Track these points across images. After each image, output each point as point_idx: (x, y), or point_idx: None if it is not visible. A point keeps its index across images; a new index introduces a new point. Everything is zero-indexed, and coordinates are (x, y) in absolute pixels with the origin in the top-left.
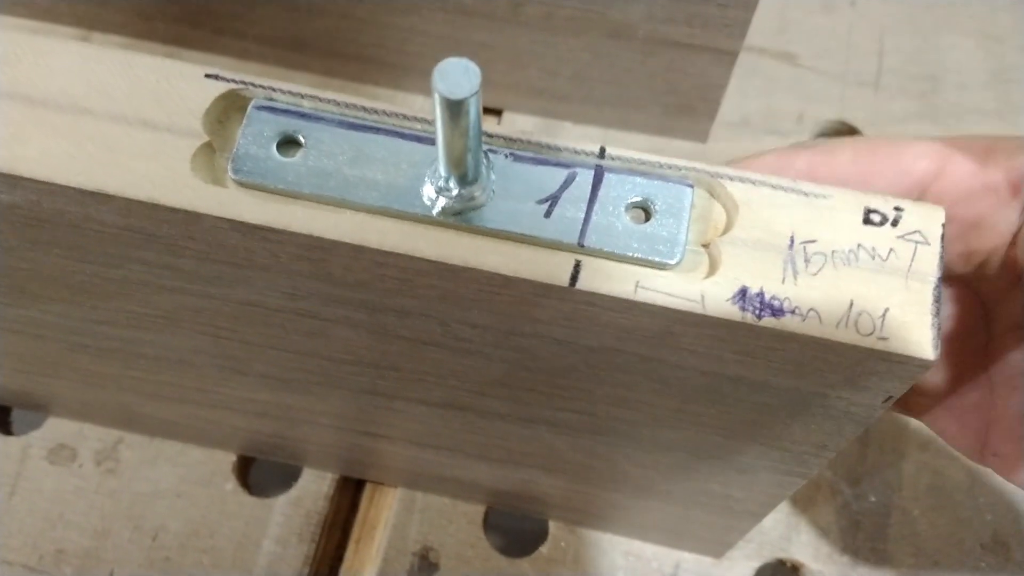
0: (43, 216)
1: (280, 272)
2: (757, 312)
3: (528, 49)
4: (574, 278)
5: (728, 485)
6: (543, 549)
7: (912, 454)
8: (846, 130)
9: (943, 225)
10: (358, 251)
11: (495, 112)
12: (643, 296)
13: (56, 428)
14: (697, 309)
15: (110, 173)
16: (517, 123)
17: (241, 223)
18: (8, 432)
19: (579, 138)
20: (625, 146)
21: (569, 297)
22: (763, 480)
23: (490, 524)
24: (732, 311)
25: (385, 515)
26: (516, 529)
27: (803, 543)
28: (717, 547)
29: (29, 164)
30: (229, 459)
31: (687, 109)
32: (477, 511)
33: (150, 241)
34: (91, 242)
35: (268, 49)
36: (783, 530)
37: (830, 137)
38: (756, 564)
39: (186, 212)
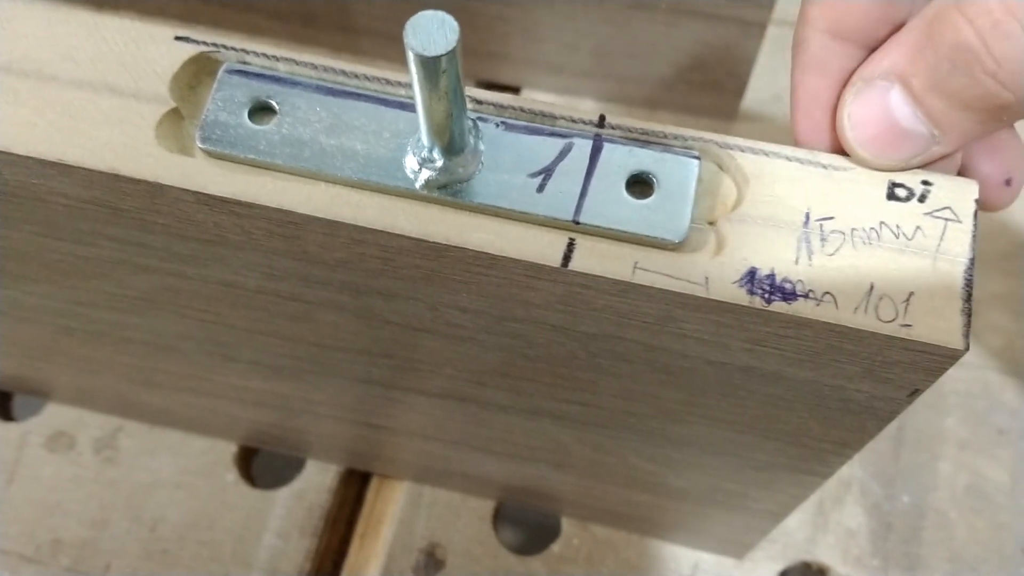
0: (8, 190)
1: (254, 250)
2: (766, 296)
3: (546, 22)
4: (567, 258)
5: (744, 483)
6: (555, 547)
7: (949, 453)
8: None
9: (976, 201)
10: (332, 227)
11: (513, 90)
12: (641, 278)
13: (55, 415)
14: (700, 292)
15: (70, 142)
16: None
17: (207, 195)
18: (9, 418)
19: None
20: None
21: (562, 279)
22: (781, 479)
23: (500, 520)
24: (738, 294)
25: (391, 509)
26: (527, 526)
27: (830, 545)
28: (737, 547)
29: None
30: (230, 449)
31: (714, 86)
32: (487, 506)
33: (117, 216)
34: (60, 217)
35: (278, 24)
36: (809, 531)
37: None
38: (780, 566)
39: (148, 183)
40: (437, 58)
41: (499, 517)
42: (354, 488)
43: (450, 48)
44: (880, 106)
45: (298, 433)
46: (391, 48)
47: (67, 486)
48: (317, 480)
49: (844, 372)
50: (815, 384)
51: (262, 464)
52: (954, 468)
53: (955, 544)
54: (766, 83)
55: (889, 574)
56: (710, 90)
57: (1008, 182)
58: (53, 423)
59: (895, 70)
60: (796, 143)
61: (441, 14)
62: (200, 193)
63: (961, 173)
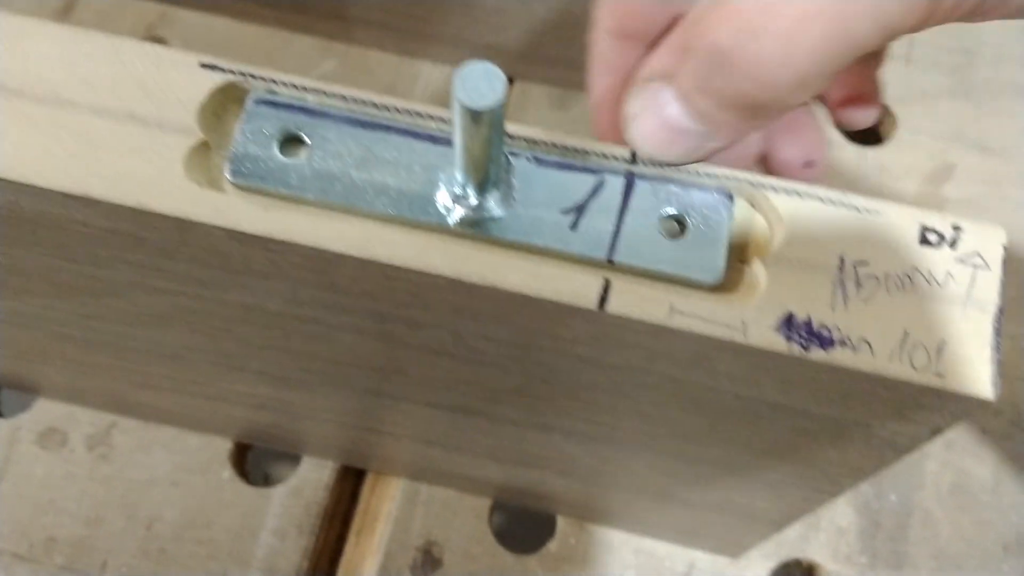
0: (23, 216)
1: (280, 279)
2: (804, 343)
3: (544, 16)
4: (603, 300)
5: (753, 497)
6: (551, 545)
7: (936, 452)
8: None
9: (1004, 247)
10: (366, 264)
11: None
12: (678, 322)
13: (46, 411)
14: (738, 338)
15: (94, 174)
16: (530, 93)
17: (240, 232)
18: None
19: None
20: None
21: (597, 319)
22: (791, 494)
23: (496, 517)
24: (777, 341)
25: (388, 506)
26: (523, 523)
27: (821, 543)
28: (734, 548)
29: (5, 162)
30: (226, 446)
31: None
32: (483, 504)
33: (139, 244)
34: (77, 242)
35: (268, 10)
36: (801, 529)
37: None
38: (772, 564)
39: (178, 219)
40: (484, 111)
41: (494, 515)
42: (350, 484)
43: (498, 101)
44: (653, 106)
45: (297, 433)
46: (385, 38)
47: (60, 483)
48: (314, 477)
49: (872, 412)
50: (841, 420)
51: (256, 459)
52: (940, 467)
53: (940, 541)
54: None
55: (877, 571)
56: None
57: (809, 164)
58: (44, 419)
59: (665, 71)
60: (596, 138)
61: (489, 65)
62: (233, 231)
63: (764, 158)
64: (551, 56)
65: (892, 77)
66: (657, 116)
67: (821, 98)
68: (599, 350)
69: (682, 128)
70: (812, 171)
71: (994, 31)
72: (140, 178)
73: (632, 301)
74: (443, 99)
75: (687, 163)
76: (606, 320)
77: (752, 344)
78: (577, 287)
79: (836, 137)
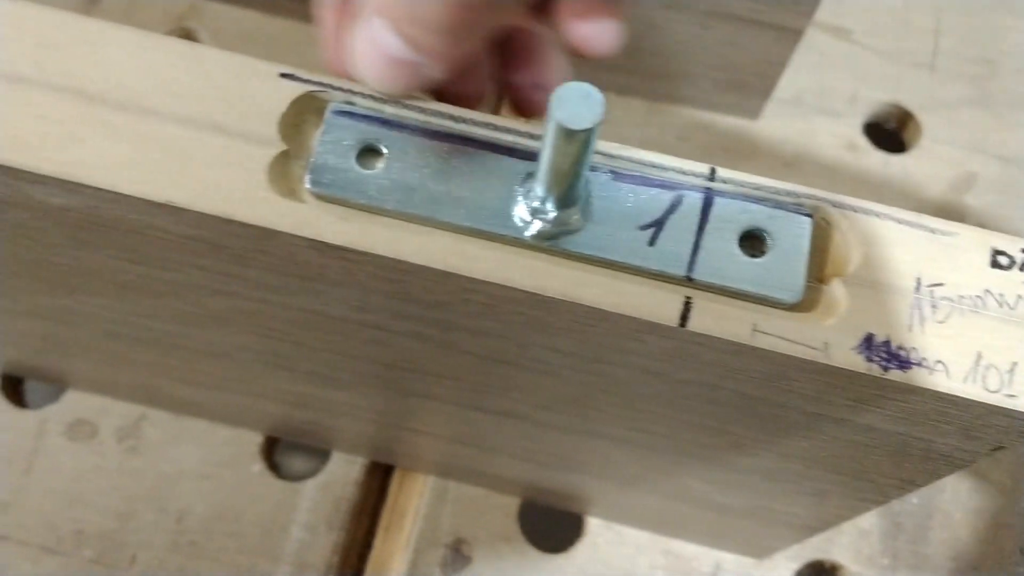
0: (99, 220)
1: (352, 287)
2: (883, 363)
3: None
4: (684, 317)
5: (794, 504)
6: (580, 545)
7: None
8: (900, 113)
9: None
10: (444, 276)
11: None
12: (761, 341)
13: (75, 402)
14: (820, 358)
15: (179, 183)
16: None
17: (321, 243)
18: (22, 404)
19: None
20: (671, 118)
21: (677, 336)
22: (833, 503)
23: (524, 516)
24: (857, 361)
25: (415, 502)
26: (551, 522)
27: (844, 544)
28: (761, 550)
29: (89, 169)
30: (256, 440)
31: (740, 85)
32: (512, 503)
33: (216, 250)
34: (150, 247)
35: (296, 4)
36: (826, 530)
37: (882, 120)
38: (796, 565)
39: (262, 228)
40: (581, 132)
41: (523, 513)
42: (378, 480)
43: (596, 123)
44: (371, 39)
45: (330, 429)
46: None
47: (89, 476)
48: (343, 472)
49: (938, 430)
50: (904, 436)
51: (284, 453)
52: (960, 472)
53: (959, 544)
54: (787, 81)
55: (898, 572)
56: (736, 89)
57: (540, 87)
58: (73, 411)
59: (378, 4)
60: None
61: (587, 86)
62: (315, 240)
63: (501, 84)
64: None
65: (916, 85)
66: (375, 48)
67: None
68: (671, 366)
69: (399, 58)
70: (545, 95)
71: (1017, 42)
72: (225, 188)
73: (714, 319)
74: None
75: (413, 92)
76: (685, 337)
77: (833, 364)
78: (657, 304)
79: (862, 143)
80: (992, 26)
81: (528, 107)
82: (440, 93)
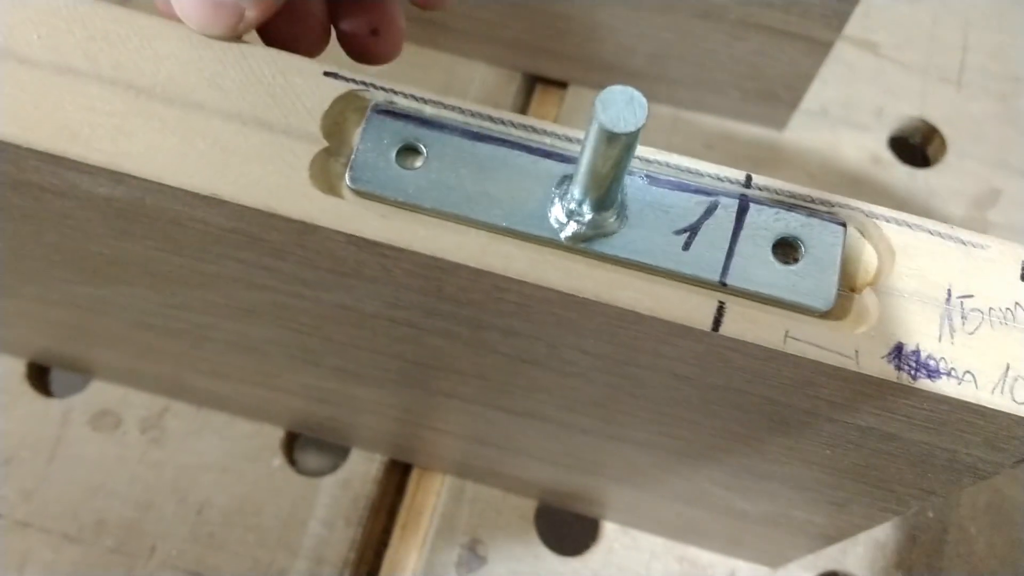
0: (143, 212)
1: (387, 284)
2: (912, 372)
3: (607, 23)
4: (717, 322)
5: (813, 513)
6: (595, 549)
7: None
8: (926, 128)
9: None
10: (479, 275)
11: (560, 84)
12: (793, 347)
13: (100, 393)
14: (851, 366)
15: (224, 176)
16: (584, 98)
17: (360, 238)
18: (47, 393)
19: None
20: (697, 127)
21: (709, 341)
22: (853, 512)
23: (540, 518)
24: (887, 370)
25: (432, 501)
26: (567, 526)
27: (859, 555)
28: (777, 559)
29: (136, 161)
30: (277, 434)
31: (768, 95)
32: (529, 505)
33: (255, 243)
34: (191, 239)
35: None
36: (842, 542)
37: (907, 134)
38: (811, 575)
39: (303, 223)
40: (623, 135)
41: (539, 515)
42: (395, 478)
43: (639, 126)
44: None
45: (351, 426)
46: (445, 39)
47: (112, 466)
48: (362, 469)
49: (963, 440)
50: (928, 446)
51: (304, 448)
52: (976, 487)
53: (974, 559)
54: (814, 93)
55: None
56: (763, 99)
57: (375, 32)
58: (98, 401)
59: None
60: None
61: (630, 91)
62: (354, 236)
63: (337, 31)
64: (607, 63)
65: (942, 101)
66: None
67: None
68: (701, 370)
69: (219, 1)
70: (381, 39)
71: None
72: (268, 182)
73: (747, 325)
74: (495, 102)
75: (236, 35)
76: (717, 342)
77: (864, 372)
78: (690, 308)
79: (887, 157)
80: (1020, 43)
81: (364, 54)
82: (271, 38)
